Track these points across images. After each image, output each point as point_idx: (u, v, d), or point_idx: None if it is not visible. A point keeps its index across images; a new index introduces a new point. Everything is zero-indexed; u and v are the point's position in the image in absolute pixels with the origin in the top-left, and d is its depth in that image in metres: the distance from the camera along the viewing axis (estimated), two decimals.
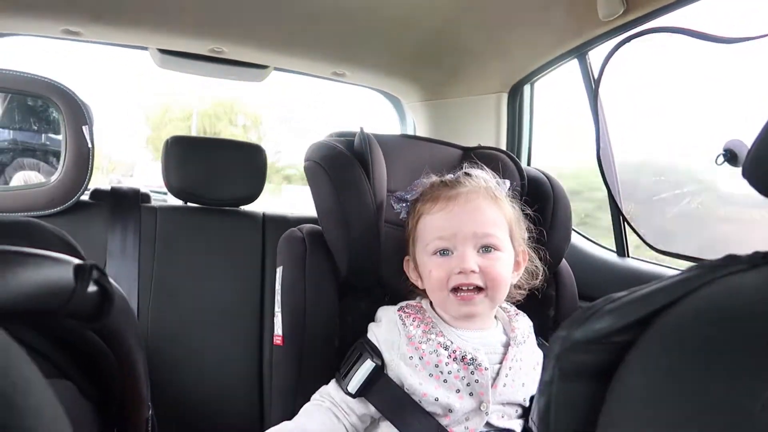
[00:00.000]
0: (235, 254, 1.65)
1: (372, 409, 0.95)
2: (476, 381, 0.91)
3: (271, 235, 1.67)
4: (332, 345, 1.09)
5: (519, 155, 1.79)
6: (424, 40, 1.72)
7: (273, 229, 1.67)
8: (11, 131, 1.66)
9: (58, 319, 0.48)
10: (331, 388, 0.99)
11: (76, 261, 0.47)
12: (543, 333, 1.10)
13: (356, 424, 0.95)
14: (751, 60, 1.07)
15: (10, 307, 0.38)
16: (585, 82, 1.48)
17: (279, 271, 1.18)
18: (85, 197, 1.64)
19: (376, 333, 0.99)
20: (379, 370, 0.94)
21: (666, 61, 1.28)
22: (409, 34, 1.70)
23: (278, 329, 1.15)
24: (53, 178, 1.49)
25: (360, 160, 1.15)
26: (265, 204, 1.94)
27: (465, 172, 1.03)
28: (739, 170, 0.46)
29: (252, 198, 1.73)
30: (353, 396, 0.95)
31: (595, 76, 1.39)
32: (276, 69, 2.03)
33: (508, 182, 1.06)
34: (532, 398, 0.97)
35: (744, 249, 0.44)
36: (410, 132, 2.22)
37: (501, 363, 0.95)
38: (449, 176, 1.04)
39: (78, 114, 1.47)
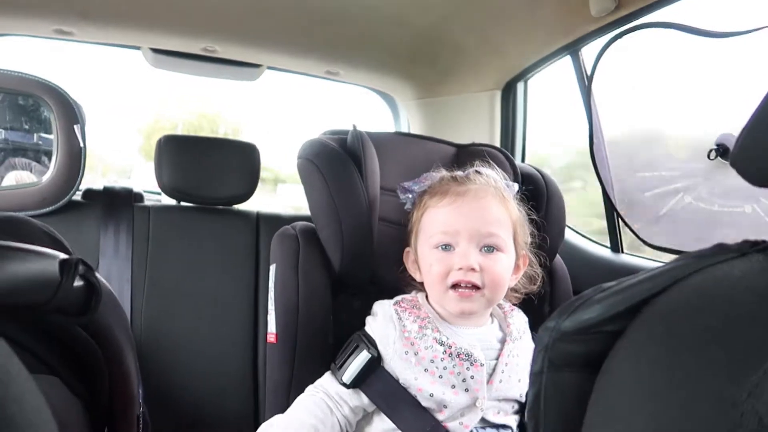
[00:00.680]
0: (228, 253, 1.64)
1: (366, 401, 0.94)
2: (471, 377, 0.91)
3: (265, 234, 1.66)
4: (326, 342, 1.09)
5: (513, 152, 1.80)
6: (418, 39, 1.72)
7: (267, 228, 1.67)
8: (2, 131, 1.65)
9: (44, 314, 0.47)
10: (325, 380, 0.99)
11: (63, 255, 0.47)
12: (537, 329, 1.10)
13: (348, 416, 0.95)
14: (743, 54, 1.07)
15: None
16: (578, 79, 1.49)
17: (272, 269, 1.18)
18: (78, 197, 1.63)
19: (372, 326, 0.99)
20: (375, 362, 0.94)
21: (659, 56, 1.28)
22: (402, 33, 1.70)
23: (272, 327, 1.15)
24: (45, 177, 1.48)
25: (353, 158, 1.15)
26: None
27: (476, 170, 1.03)
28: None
29: (245, 197, 1.73)
30: (348, 386, 0.94)
31: (588, 73, 1.40)
32: (269, 68, 2.03)
33: (516, 186, 1.06)
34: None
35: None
36: (404, 130, 2.22)
37: (497, 359, 0.95)
38: (459, 172, 1.04)
39: (69, 113, 1.46)
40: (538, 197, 1.21)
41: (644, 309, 0.41)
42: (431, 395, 0.91)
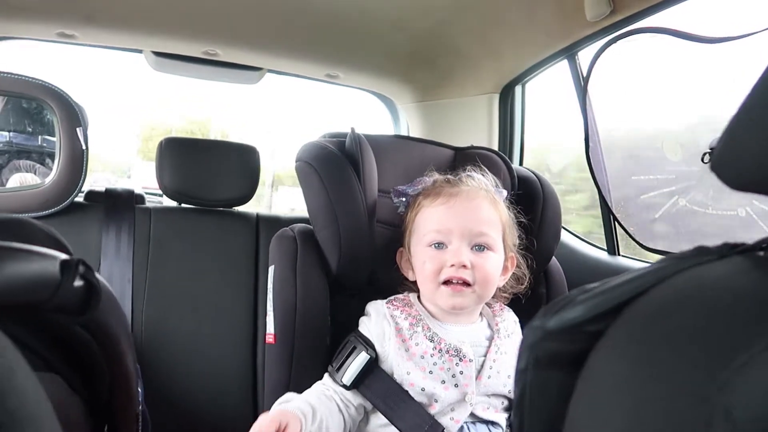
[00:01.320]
0: (228, 255, 1.66)
1: (364, 400, 0.96)
2: (461, 372, 0.94)
3: (265, 236, 1.68)
4: (324, 343, 1.10)
5: (511, 155, 1.81)
6: (417, 42, 1.74)
7: (267, 230, 1.69)
8: (7, 133, 1.67)
9: (45, 313, 0.49)
10: (327, 381, 1.00)
11: (63, 256, 0.48)
12: None
13: (354, 416, 0.97)
14: (739, 58, 1.08)
15: None
16: (575, 82, 1.50)
17: (271, 270, 1.19)
18: (80, 198, 1.64)
19: (368, 326, 1.01)
20: (373, 362, 0.96)
21: (655, 59, 1.30)
22: (402, 36, 1.72)
23: (270, 328, 1.16)
24: (48, 179, 1.50)
25: (351, 161, 1.16)
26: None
27: (468, 174, 1.07)
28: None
29: (246, 199, 1.74)
30: (348, 388, 0.96)
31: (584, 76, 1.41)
32: (269, 71, 2.05)
33: (504, 192, 1.10)
34: None
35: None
36: (404, 133, 2.23)
37: (485, 355, 0.97)
38: (451, 176, 1.08)
39: (72, 116, 1.48)
40: (535, 200, 1.22)
41: (625, 309, 0.42)
42: (423, 389, 0.93)
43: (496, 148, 1.79)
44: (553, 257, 1.25)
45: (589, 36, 1.35)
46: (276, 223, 1.67)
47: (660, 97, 1.31)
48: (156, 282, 1.58)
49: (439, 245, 0.98)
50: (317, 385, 1.00)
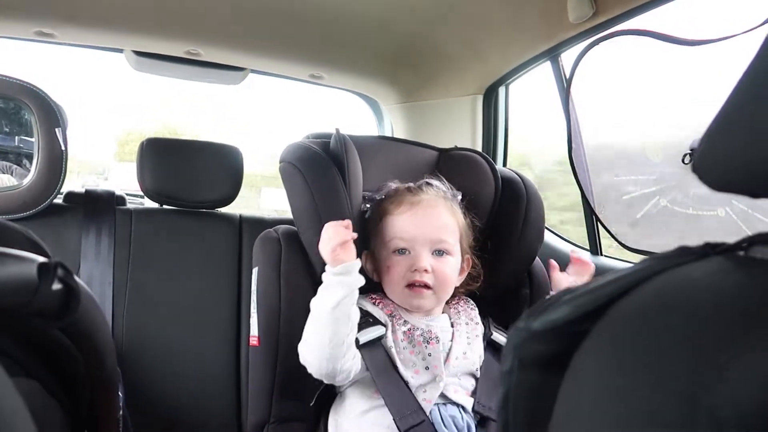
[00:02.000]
0: (211, 256, 1.64)
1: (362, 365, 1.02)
2: (429, 354, 1.02)
3: (248, 237, 1.66)
4: None
5: (495, 156, 1.82)
6: (402, 43, 1.74)
7: (250, 231, 1.67)
8: None
9: (22, 317, 0.48)
10: None
11: (41, 259, 0.47)
12: None
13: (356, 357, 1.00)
14: (718, 60, 1.10)
15: None
16: (558, 84, 1.51)
17: (255, 271, 1.18)
18: (59, 200, 1.62)
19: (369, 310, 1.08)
20: (382, 337, 1.04)
21: (636, 61, 1.31)
22: (386, 37, 1.72)
23: (254, 330, 1.16)
24: (26, 180, 1.47)
25: (335, 161, 1.16)
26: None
27: (426, 182, 1.14)
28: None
29: (229, 200, 1.73)
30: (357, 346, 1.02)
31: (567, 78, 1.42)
32: (253, 71, 2.03)
33: (459, 195, 1.17)
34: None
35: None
36: (388, 134, 2.23)
37: (452, 340, 1.06)
38: (411, 184, 1.15)
39: (51, 116, 1.45)
40: (518, 200, 1.23)
41: (609, 310, 0.42)
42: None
43: (479, 149, 1.80)
44: (537, 258, 1.26)
45: (572, 38, 1.36)
46: (259, 224, 1.66)
47: (643, 99, 1.32)
48: (137, 284, 1.55)
49: (402, 251, 1.06)
50: None
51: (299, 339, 1.07)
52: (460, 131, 1.85)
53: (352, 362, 0.99)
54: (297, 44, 1.82)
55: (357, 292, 0.97)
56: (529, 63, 1.58)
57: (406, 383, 1.00)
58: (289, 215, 1.52)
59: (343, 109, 2.39)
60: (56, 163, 1.47)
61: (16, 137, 1.62)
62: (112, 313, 1.51)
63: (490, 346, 1.10)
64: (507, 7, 1.41)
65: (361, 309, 1.07)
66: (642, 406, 0.35)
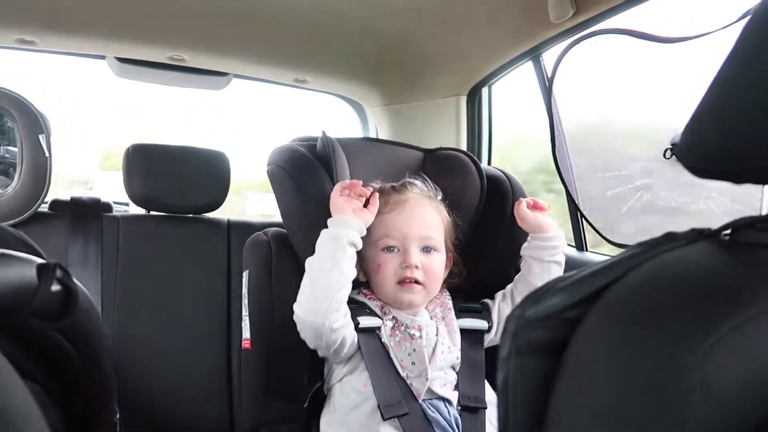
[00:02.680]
0: (200, 261, 1.64)
1: (352, 342, 1.04)
2: (414, 350, 1.04)
3: (236, 242, 1.66)
4: (301, 347, 1.10)
5: (480, 155, 1.83)
6: (384, 46, 1.75)
7: (238, 236, 1.67)
8: None
9: (22, 318, 0.48)
10: None
11: (40, 260, 0.48)
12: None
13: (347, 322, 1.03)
14: (697, 57, 1.13)
15: None
16: (540, 83, 1.53)
17: (245, 275, 1.18)
18: (44, 208, 1.60)
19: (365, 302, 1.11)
20: (378, 329, 1.07)
21: (618, 59, 1.34)
22: (368, 41, 1.73)
23: (246, 333, 1.16)
24: (9, 189, 1.45)
25: (323, 163, 1.17)
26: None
27: (409, 181, 1.17)
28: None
29: (216, 205, 1.72)
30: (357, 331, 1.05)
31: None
32: (236, 76, 2.03)
33: (440, 193, 1.20)
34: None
35: None
36: (373, 137, 2.24)
37: (437, 335, 1.08)
38: (395, 184, 1.17)
39: (34, 123, 1.44)
40: (504, 198, 1.25)
41: (603, 295, 0.43)
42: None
43: (465, 149, 1.82)
44: None
45: (553, 37, 1.38)
46: (248, 228, 1.66)
47: (624, 95, 1.35)
48: (126, 291, 1.55)
49: (392, 248, 1.09)
50: None
51: (292, 341, 1.08)
52: (445, 132, 1.87)
53: (344, 322, 1.01)
54: (280, 49, 1.82)
55: (353, 250, 1.02)
56: (512, 63, 1.60)
57: (397, 373, 1.02)
58: (276, 218, 1.53)
59: (329, 113, 2.39)
60: (41, 171, 1.45)
61: (0, 146, 1.60)
62: (101, 320, 1.49)
63: (463, 332, 1.12)
64: (487, 7, 1.42)
65: (357, 300, 1.09)
66: (642, 380, 0.36)
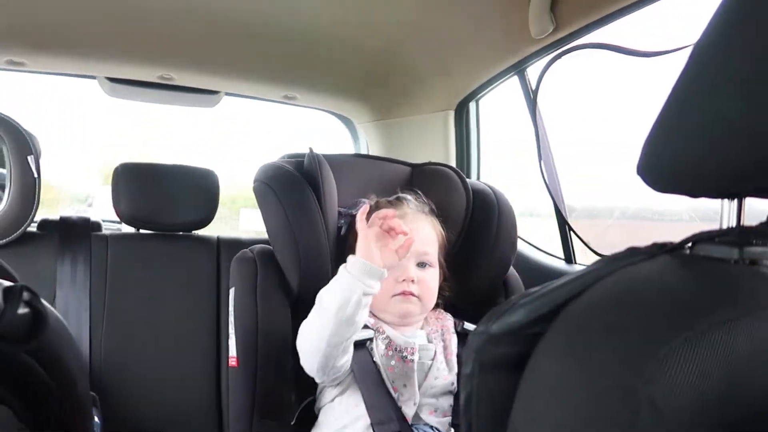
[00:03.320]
0: (189, 279, 1.63)
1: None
2: (405, 373, 1.02)
3: (226, 259, 1.66)
4: (287, 364, 1.10)
5: (468, 170, 1.84)
6: (373, 62, 1.77)
7: (227, 253, 1.67)
8: None
9: None
10: None
11: (6, 283, 0.48)
12: None
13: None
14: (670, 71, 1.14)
15: None
16: (525, 97, 1.55)
17: (231, 292, 1.18)
18: (33, 228, 1.60)
19: None
20: (369, 341, 1.05)
21: (599, 73, 1.35)
22: (357, 57, 1.74)
23: (232, 350, 1.15)
24: None
25: (309, 180, 1.17)
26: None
27: (402, 195, 1.17)
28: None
29: (205, 222, 1.73)
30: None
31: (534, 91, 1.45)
32: (227, 94, 2.05)
33: (433, 207, 1.19)
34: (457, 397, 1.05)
35: None
36: (363, 151, 2.25)
37: (432, 359, 1.06)
38: (391, 198, 1.16)
39: (23, 144, 1.45)
40: (490, 212, 1.25)
41: (562, 311, 0.44)
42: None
43: (453, 163, 1.83)
44: (512, 267, 1.28)
45: (535, 52, 1.40)
46: (237, 245, 1.66)
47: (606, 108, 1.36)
48: (114, 310, 1.54)
49: None
50: None
51: (277, 358, 1.07)
52: (434, 146, 1.88)
53: (345, 361, 0.99)
54: (270, 66, 1.84)
55: (370, 299, 0.95)
56: (497, 78, 1.61)
57: (389, 393, 1.00)
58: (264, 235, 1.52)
59: (326, 126, 2.41)
60: (29, 191, 1.46)
61: None
62: (89, 339, 1.49)
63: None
64: (471, 24, 1.44)
65: None
66: (591, 400, 0.36)
